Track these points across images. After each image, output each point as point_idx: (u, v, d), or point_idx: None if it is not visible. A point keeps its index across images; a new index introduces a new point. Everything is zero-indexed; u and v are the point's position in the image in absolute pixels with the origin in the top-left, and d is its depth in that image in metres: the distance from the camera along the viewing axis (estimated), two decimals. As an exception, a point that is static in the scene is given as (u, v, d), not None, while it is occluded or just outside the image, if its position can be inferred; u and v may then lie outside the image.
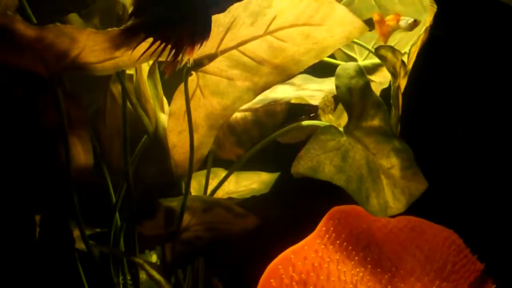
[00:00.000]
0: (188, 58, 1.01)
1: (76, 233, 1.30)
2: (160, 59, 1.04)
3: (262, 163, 1.49)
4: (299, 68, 1.21)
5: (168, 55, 1.01)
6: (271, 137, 1.34)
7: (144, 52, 1.03)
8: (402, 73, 1.30)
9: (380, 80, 1.43)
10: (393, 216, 1.29)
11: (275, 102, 1.38)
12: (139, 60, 1.11)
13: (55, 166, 1.19)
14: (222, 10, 1.02)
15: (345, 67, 1.29)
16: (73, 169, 1.18)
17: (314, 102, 1.40)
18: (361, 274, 1.21)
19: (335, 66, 1.31)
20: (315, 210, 1.31)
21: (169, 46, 1.00)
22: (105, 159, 1.35)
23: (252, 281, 1.16)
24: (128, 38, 1.00)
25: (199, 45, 1.00)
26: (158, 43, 1.00)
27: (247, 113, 1.40)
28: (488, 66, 1.63)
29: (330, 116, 1.30)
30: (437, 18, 1.31)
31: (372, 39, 1.47)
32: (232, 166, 1.39)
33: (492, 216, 1.61)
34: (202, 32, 0.99)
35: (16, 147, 1.18)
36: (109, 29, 1.04)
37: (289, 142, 1.40)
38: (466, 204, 1.60)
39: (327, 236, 1.24)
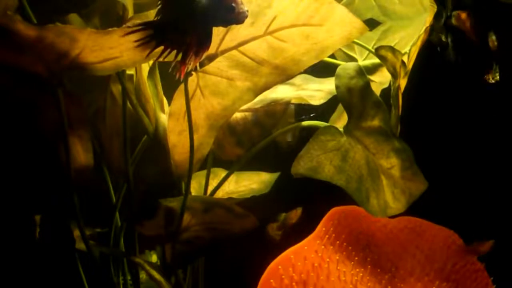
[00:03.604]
0: (193, 63, 1.01)
1: (77, 233, 1.30)
2: (166, 59, 1.04)
3: (262, 163, 1.49)
4: (299, 68, 1.21)
5: (175, 56, 1.01)
6: (271, 137, 1.34)
7: (151, 51, 1.03)
8: (402, 73, 1.30)
9: (380, 80, 1.43)
10: (393, 217, 1.29)
11: (275, 102, 1.38)
12: (140, 60, 1.12)
13: (55, 166, 1.19)
14: (225, 24, 1.03)
15: (345, 67, 1.29)
16: (73, 169, 1.18)
17: (314, 102, 1.40)
18: (361, 274, 1.21)
19: (335, 66, 1.31)
20: (315, 210, 1.31)
21: (175, 49, 1.01)
22: (105, 159, 1.35)
23: (252, 281, 1.16)
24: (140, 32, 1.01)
25: (201, 55, 1.01)
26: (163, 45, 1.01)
27: (247, 113, 1.40)
28: (488, 66, 1.62)
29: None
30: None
31: (372, 39, 1.47)
32: (232, 166, 1.39)
33: (492, 216, 1.61)
34: (204, 43, 1.00)
35: (16, 147, 1.18)
36: (109, 29, 1.04)
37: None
38: (466, 204, 1.60)
39: (327, 236, 1.24)
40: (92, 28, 1.06)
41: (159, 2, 1.00)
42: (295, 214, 1.44)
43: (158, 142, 1.28)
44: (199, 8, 0.98)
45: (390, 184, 1.26)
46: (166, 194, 1.31)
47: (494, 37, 1.31)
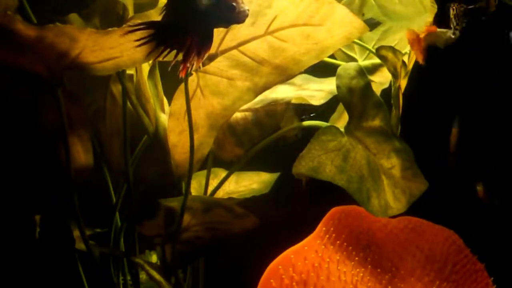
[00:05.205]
0: (196, 64, 1.01)
1: (76, 233, 1.30)
2: (166, 59, 1.04)
3: (262, 163, 1.49)
4: (299, 68, 1.21)
5: (175, 56, 1.01)
6: (271, 137, 1.34)
7: (151, 52, 1.03)
8: (402, 74, 1.30)
9: (381, 80, 1.43)
10: (394, 216, 1.29)
11: (275, 102, 1.38)
12: (140, 60, 1.12)
13: (55, 166, 1.19)
14: (226, 25, 1.03)
15: (346, 68, 1.29)
16: (73, 169, 1.18)
17: (314, 102, 1.39)
18: (361, 274, 1.21)
19: (335, 66, 1.31)
20: (315, 210, 1.31)
21: (176, 49, 1.01)
22: (105, 159, 1.35)
23: (252, 281, 1.16)
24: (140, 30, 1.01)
25: (203, 55, 1.01)
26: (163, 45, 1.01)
27: (247, 113, 1.40)
28: (489, 65, 1.63)
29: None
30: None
31: (372, 39, 1.47)
32: (232, 166, 1.39)
33: (492, 216, 1.61)
34: (205, 43, 1.00)
35: (16, 147, 1.18)
36: (109, 29, 1.04)
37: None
38: (466, 204, 1.60)
39: (327, 236, 1.24)
40: (92, 28, 1.06)
41: (164, 8, 1.00)
42: None
43: (158, 142, 1.28)
44: (200, 8, 0.98)
45: (391, 184, 1.26)
46: (166, 194, 1.31)
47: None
